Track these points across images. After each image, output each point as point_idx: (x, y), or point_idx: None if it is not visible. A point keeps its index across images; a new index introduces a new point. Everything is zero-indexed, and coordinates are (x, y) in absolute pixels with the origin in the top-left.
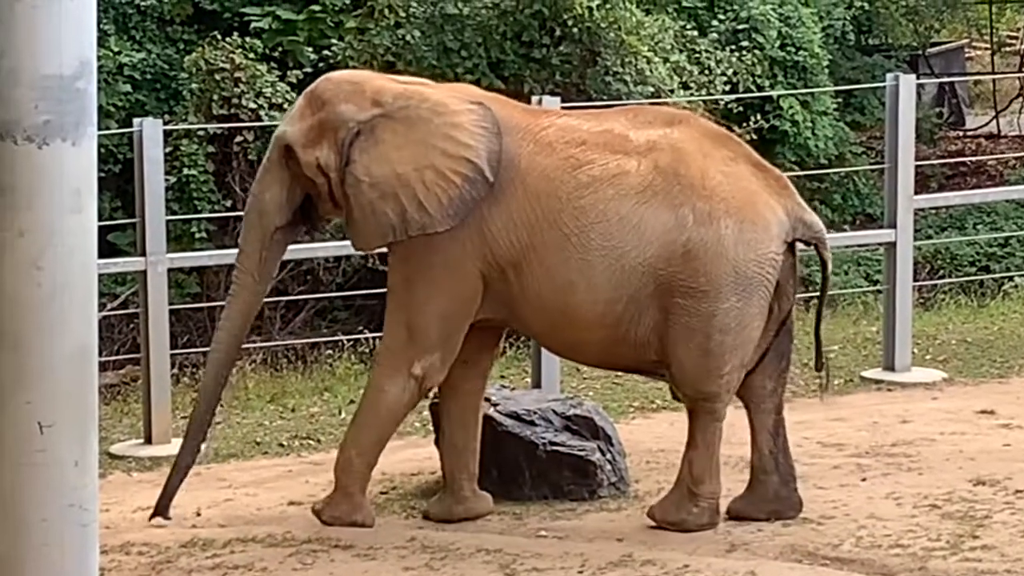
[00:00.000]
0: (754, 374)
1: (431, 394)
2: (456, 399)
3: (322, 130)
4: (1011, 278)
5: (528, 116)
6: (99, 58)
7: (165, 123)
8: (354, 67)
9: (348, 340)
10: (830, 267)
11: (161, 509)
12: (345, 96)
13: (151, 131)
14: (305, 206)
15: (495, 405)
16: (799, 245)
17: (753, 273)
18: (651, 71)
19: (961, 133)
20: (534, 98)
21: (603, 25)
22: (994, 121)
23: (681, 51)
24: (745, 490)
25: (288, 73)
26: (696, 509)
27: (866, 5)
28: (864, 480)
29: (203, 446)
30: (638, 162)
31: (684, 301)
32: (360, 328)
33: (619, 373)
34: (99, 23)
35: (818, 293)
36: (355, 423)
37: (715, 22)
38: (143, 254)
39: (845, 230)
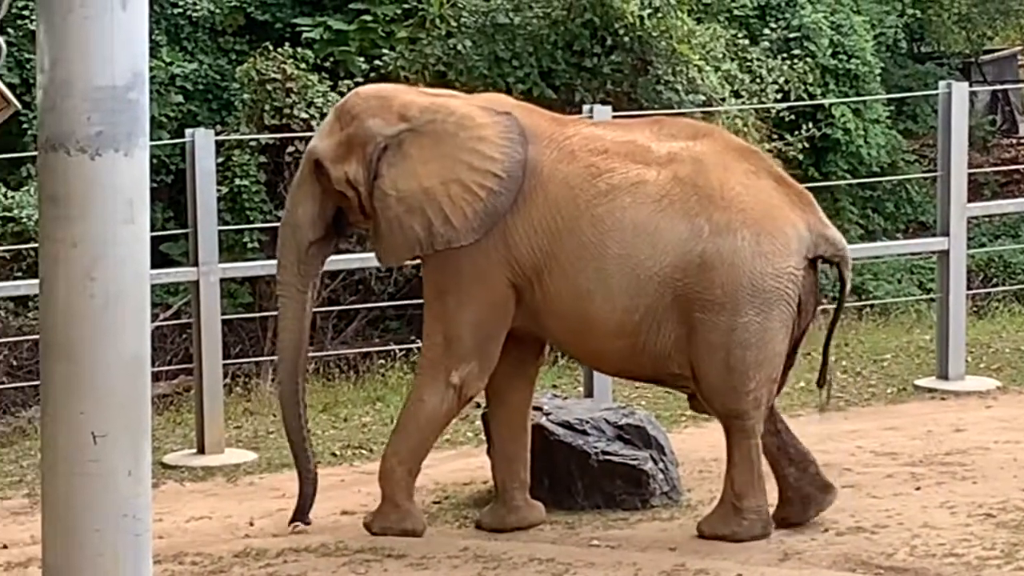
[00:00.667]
0: None
1: (482, 403)
2: (504, 408)
3: (351, 145)
4: None
5: (554, 125)
6: (151, 69)
7: (217, 133)
8: (406, 77)
9: (400, 350)
10: (849, 286)
11: (299, 517)
12: (373, 111)
13: (203, 141)
14: (337, 218)
15: (547, 414)
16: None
17: (771, 287)
18: (702, 80)
19: (1014, 140)
20: (585, 107)
21: (654, 34)
22: None
23: (732, 60)
24: (778, 496)
25: (339, 83)
26: (745, 522)
27: (918, 13)
28: (918, 489)
29: (310, 448)
30: (657, 172)
31: (703, 315)
32: (412, 338)
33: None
34: (151, 34)
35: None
36: (396, 432)
37: (767, 30)
38: (195, 264)
39: (898, 238)
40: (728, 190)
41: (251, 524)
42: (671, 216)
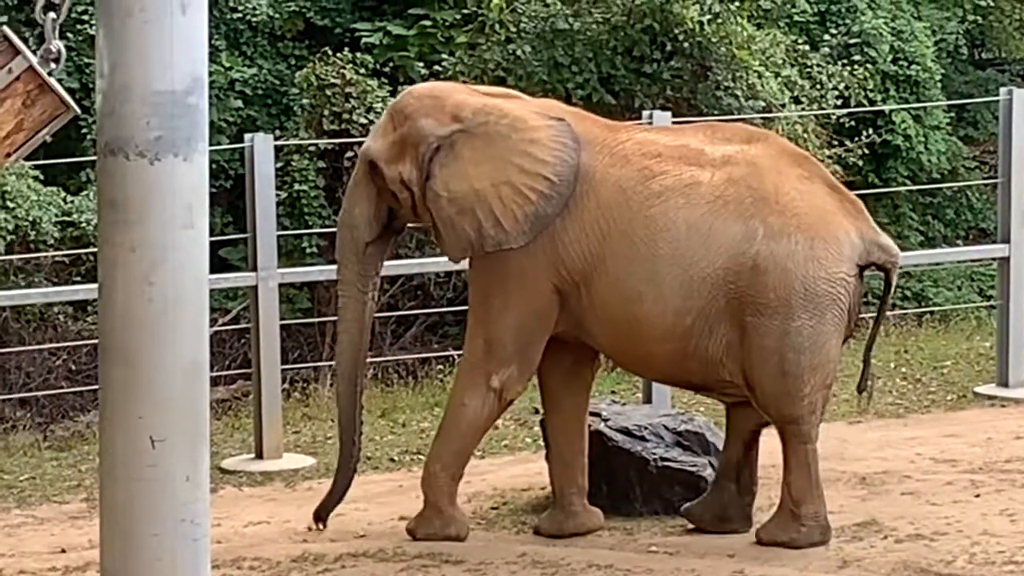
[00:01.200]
0: None
1: (540, 409)
2: (560, 414)
3: (404, 145)
4: None
5: (607, 131)
6: (210, 74)
7: (276, 138)
8: (464, 82)
9: (458, 355)
10: (893, 292)
11: (321, 515)
12: (426, 111)
13: (262, 146)
14: (392, 218)
15: (606, 420)
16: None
17: (824, 291)
18: (762, 86)
19: None
20: (645, 113)
21: (714, 40)
22: None
23: (792, 65)
24: (706, 493)
25: (399, 88)
26: (804, 528)
27: (979, 19)
28: (978, 496)
29: (358, 452)
30: (711, 174)
31: (755, 319)
32: None
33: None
34: (210, 39)
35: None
36: (438, 437)
37: (827, 36)
38: (254, 269)
39: (958, 245)
40: (783, 194)
41: (309, 529)
42: (725, 218)
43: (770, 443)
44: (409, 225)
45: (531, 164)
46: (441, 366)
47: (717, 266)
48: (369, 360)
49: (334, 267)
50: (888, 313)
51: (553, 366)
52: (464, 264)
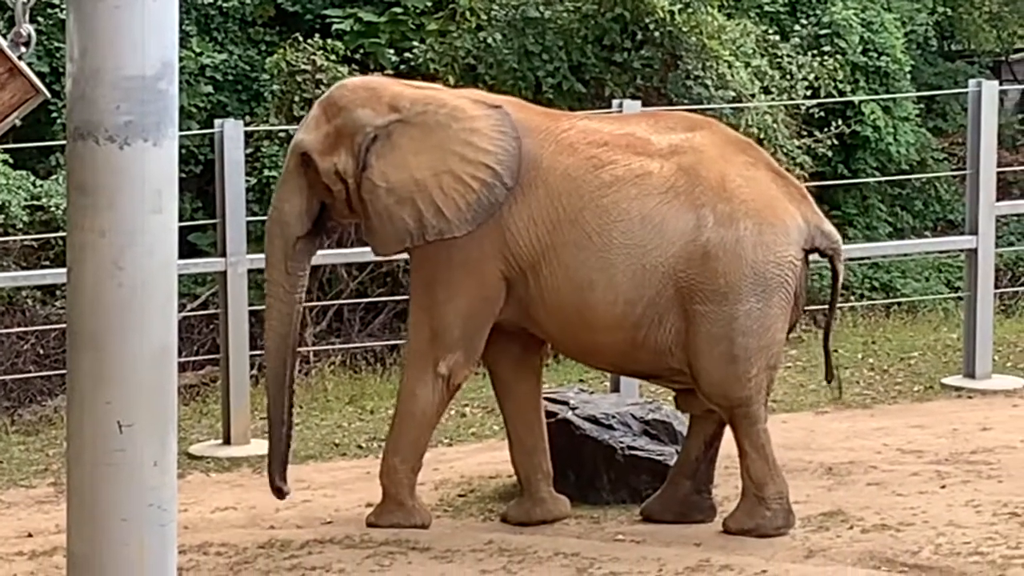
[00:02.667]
0: None
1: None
2: (514, 402)
3: (339, 136)
4: None
5: (549, 119)
6: (181, 59)
7: (246, 124)
8: (436, 70)
9: None
10: (841, 279)
11: (276, 494)
12: (362, 102)
13: (232, 132)
14: (322, 213)
15: (574, 409)
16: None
17: (772, 274)
18: (732, 75)
19: None
20: (615, 102)
21: (684, 29)
22: None
23: (763, 56)
24: (661, 489)
25: (369, 75)
26: (768, 513)
27: (949, 11)
28: (943, 487)
29: (288, 450)
30: (661, 164)
31: (704, 307)
32: None
33: None
34: (181, 24)
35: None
36: (393, 430)
37: (797, 27)
38: (223, 255)
39: (926, 236)
40: (730, 182)
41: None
42: (677, 207)
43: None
44: (341, 221)
45: (472, 153)
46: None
47: (669, 255)
48: (337, 347)
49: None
50: (856, 304)
51: (501, 355)
52: None
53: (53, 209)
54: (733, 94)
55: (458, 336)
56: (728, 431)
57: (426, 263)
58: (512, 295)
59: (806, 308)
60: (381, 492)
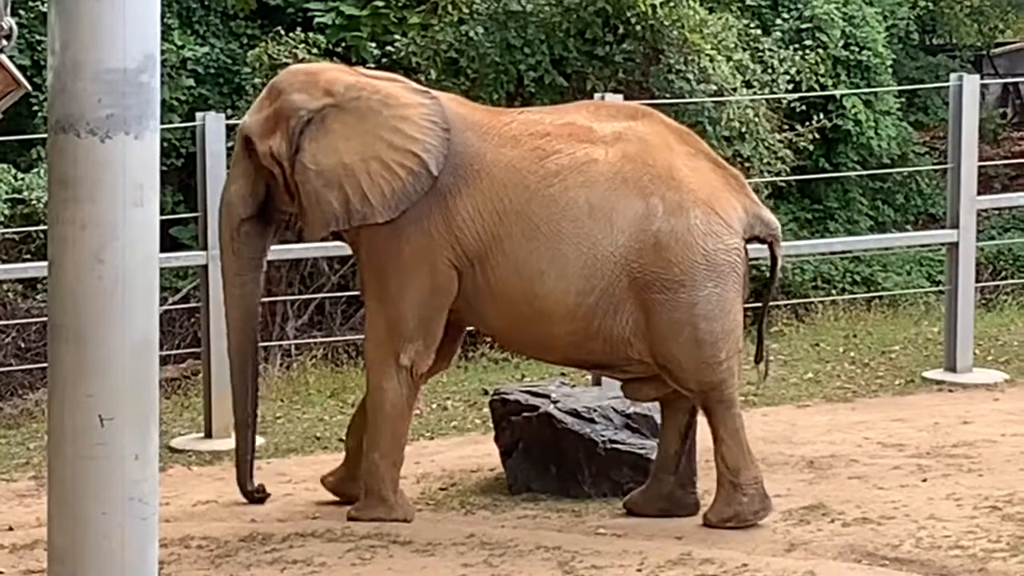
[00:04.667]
0: None
1: (490, 390)
2: (418, 389)
3: (276, 119)
4: None
5: (489, 114)
6: (163, 52)
7: (228, 117)
8: (418, 63)
9: None
10: (779, 265)
11: (248, 497)
12: (299, 86)
13: (214, 125)
14: (268, 198)
15: (555, 402)
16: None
17: (723, 261)
18: (714, 69)
19: None
20: (596, 95)
21: (666, 23)
22: None
23: (744, 49)
24: (645, 485)
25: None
26: (745, 498)
27: (930, 5)
28: (924, 481)
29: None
30: (605, 151)
31: (663, 295)
32: None
33: None
34: (163, 17)
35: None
36: (369, 428)
37: (779, 21)
38: (205, 248)
39: (907, 230)
40: (676, 170)
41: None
42: (626, 195)
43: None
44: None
45: (400, 140)
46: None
47: (620, 244)
48: (318, 340)
49: (285, 247)
50: (837, 298)
51: None
52: None
53: (34, 202)
54: (715, 88)
55: (414, 326)
56: (701, 420)
57: (375, 255)
58: (461, 288)
59: (787, 303)
60: (364, 489)
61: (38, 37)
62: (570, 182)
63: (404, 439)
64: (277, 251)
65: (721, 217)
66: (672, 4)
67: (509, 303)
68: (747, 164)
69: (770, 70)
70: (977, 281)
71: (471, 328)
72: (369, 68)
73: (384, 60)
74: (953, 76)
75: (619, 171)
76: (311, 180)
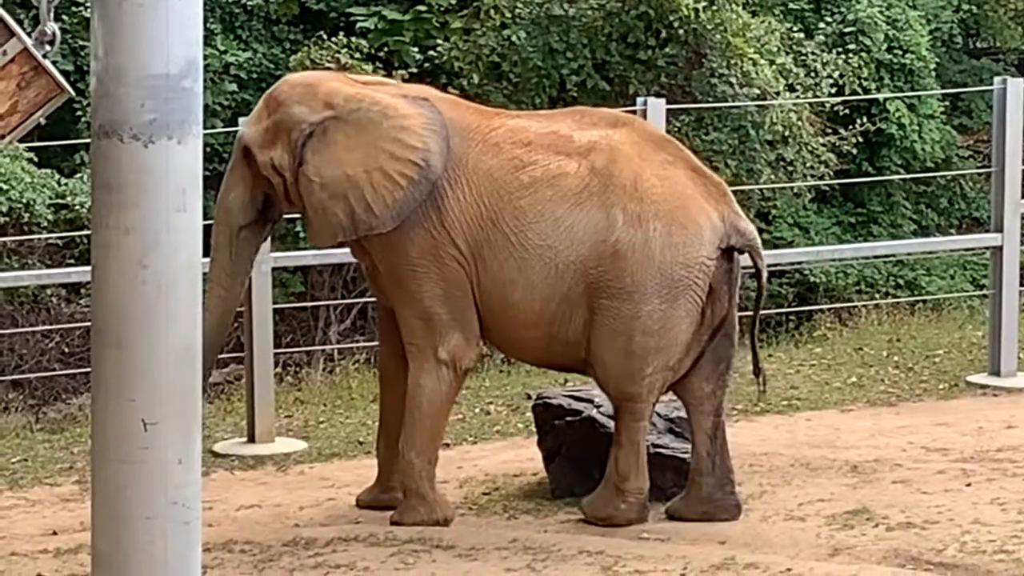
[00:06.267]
0: (691, 377)
1: (532, 394)
2: (392, 392)
3: (277, 131)
4: None
5: (480, 117)
6: (205, 57)
7: None
8: (460, 68)
9: None
10: (764, 276)
11: None
12: (299, 98)
13: None
14: (267, 204)
15: (598, 407)
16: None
17: (680, 276)
18: (757, 73)
19: None
20: (639, 100)
21: (709, 27)
22: None
23: (787, 53)
24: (684, 491)
25: (394, 73)
26: (623, 505)
27: (974, 8)
28: (969, 485)
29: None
30: (578, 164)
31: (609, 302)
32: None
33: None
34: (205, 22)
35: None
36: (406, 425)
37: (822, 24)
38: None
39: (951, 234)
40: (642, 181)
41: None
42: (588, 208)
43: (761, 431)
44: (285, 214)
45: (401, 150)
46: None
47: (580, 254)
48: (361, 345)
49: (328, 252)
50: (881, 302)
51: (389, 344)
52: None
53: (78, 207)
54: (758, 92)
55: (447, 318)
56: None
57: (388, 262)
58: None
59: (830, 307)
60: (402, 491)
61: (81, 42)
62: (540, 195)
63: (440, 436)
64: (320, 255)
65: (686, 229)
66: (715, 8)
67: (488, 309)
68: (790, 168)
69: (813, 74)
70: (1021, 285)
71: None
72: (410, 71)
73: (426, 65)
74: (997, 79)
75: (586, 185)
76: (316, 192)
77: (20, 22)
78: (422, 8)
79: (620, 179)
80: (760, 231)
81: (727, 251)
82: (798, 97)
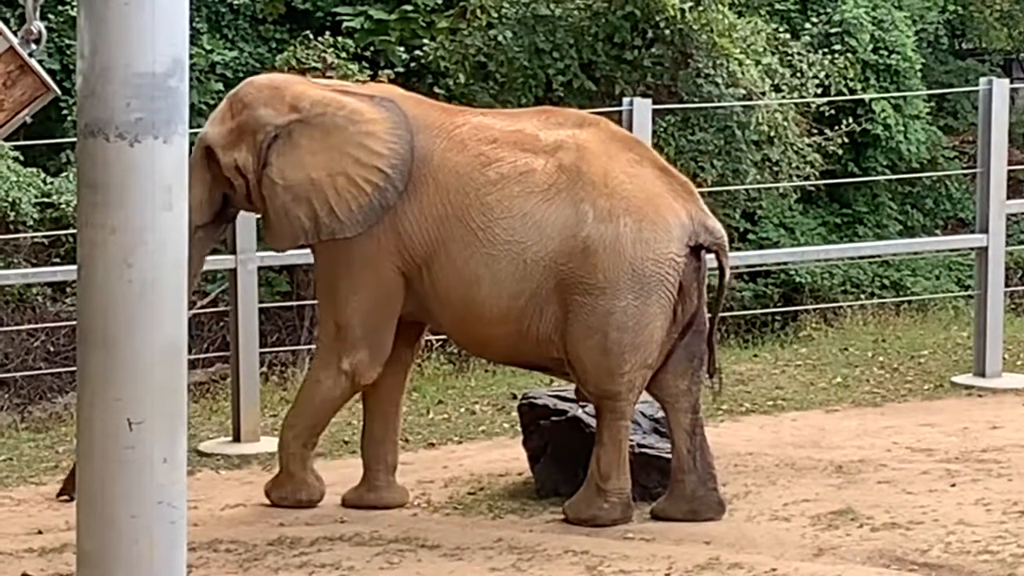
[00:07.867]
0: (665, 374)
1: (518, 394)
2: (376, 392)
3: (241, 133)
4: None
5: (444, 115)
6: (191, 56)
7: None
8: (446, 67)
9: (437, 340)
10: (728, 276)
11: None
12: (264, 100)
13: None
14: (224, 204)
15: (584, 407)
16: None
17: (651, 272)
18: (743, 73)
19: None
20: (625, 100)
21: (695, 27)
22: None
23: (773, 53)
24: (667, 491)
25: (380, 73)
26: (606, 505)
27: (960, 9)
28: (953, 486)
29: None
30: (545, 160)
31: (583, 299)
32: None
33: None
34: (192, 21)
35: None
36: (293, 407)
37: (808, 25)
38: (233, 252)
39: (937, 235)
40: (611, 178)
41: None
42: (558, 204)
43: (746, 431)
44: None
45: (367, 156)
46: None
47: (550, 250)
48: None
49: (303, 251)
50: (866, 302)
51: None
52: None
53: (63, 206)
54: (744, 92)
55: (360, 335)
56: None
57: (327, 261)
58: (410, 290)
59: (816, 307)
60: (278, 465)
61: (67, 41)
62: (507, 191)
63: (321, 429)
64: (306, 255)
65: (656, 225)
66: (701, 8)
67: (451, 306)
68: (776, 168)
69: (799, 74)
70: (1007, 285)
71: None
72: (396, 71)
73: (413, 64)
74: (983, 80)
75: (555, 182)
76: (279, 195)
77: (6, 21)
78: (408, 8)
79: (589, 175)
80: (746, 231)
81: (695, 249)
82: (784, 97)
